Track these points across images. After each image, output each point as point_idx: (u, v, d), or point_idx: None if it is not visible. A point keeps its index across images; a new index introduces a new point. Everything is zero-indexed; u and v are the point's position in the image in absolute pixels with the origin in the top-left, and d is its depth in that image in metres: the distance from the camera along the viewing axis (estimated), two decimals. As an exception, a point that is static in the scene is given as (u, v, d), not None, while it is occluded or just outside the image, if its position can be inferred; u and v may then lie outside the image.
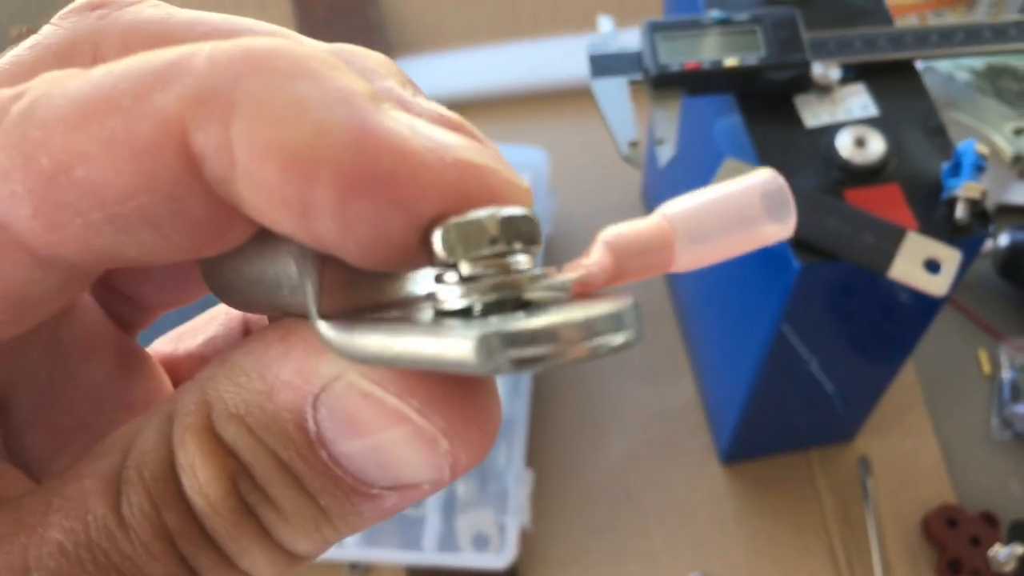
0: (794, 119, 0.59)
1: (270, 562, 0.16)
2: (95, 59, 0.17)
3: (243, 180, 0.14)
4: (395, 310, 0.17)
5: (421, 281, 0.18)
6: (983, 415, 0.82)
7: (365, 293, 0.17)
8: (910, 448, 0.81)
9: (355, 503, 0.16)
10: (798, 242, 0.53)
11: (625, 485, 0.81)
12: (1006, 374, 0.82)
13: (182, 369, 0.23)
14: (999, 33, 0.60)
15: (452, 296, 0.15)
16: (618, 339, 0.14)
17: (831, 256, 0.53)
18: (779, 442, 0.81)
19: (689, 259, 0.16)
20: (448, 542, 0.76)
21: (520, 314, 0.14)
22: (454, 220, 0.15)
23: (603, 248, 0.16)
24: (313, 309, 0.16)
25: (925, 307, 0.60)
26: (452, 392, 0.16)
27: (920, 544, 0.77)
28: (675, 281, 0.88)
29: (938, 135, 0.57)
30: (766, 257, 0.58)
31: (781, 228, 0.16)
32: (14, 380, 0.20)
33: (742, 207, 0.16)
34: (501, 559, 0.74)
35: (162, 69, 0.14)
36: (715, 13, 0.60)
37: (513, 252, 0.15)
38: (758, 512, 0.79)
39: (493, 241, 0.15)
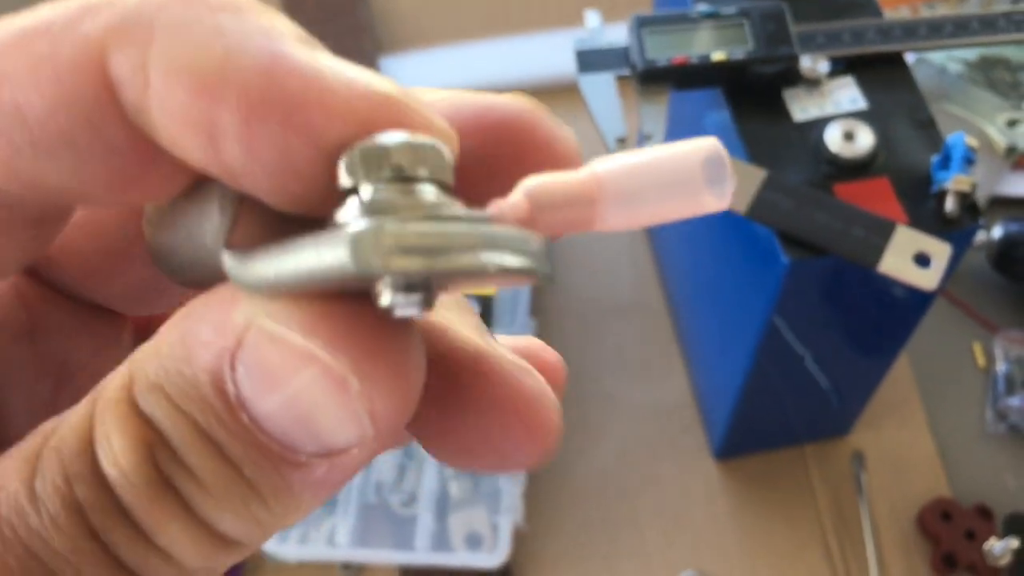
0: (783, 113, 0.58)
1: (191, 540, 0.15)
2: None
3: (155, 105, 0.14)
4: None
5: None
6: (978, 408, 0.82)
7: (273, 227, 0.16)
8: (904, 442, 0.81)
9: (283, 473, 0.15)
10: (787, 237, 0.53)
11: (618, 482, 0.80)
12: (1000, 367, 0.82)
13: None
14: (988, 24, 0.59)
15: (349, 219, 0.14)
16: (514, 261, 0.14)
17: (821, 251, 0.53)
18: (773, 437, 0.81)
19: (616, 220, 0.15)
20: (441, 541, 0.75)
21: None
22: (359, 144, 0.14)
23: (520, 192, 0.15)
24: (220, 241, 0.15)
25: (918, 300, 0.60)
26: (360, 330, 0.15)
27: (915, 538, 0.76)
28: (667, 276, 0.88)
29: (927, 128, 0.57)
30: (756, 252, 0.58)
31: (718, 199, 0.15)
32: (10, 387, 0.20)
33: (680, 173, 0.15)
34: (494, 558, 0.73)
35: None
36: (702, 7, 0.59)
37: (418, 180, 0.14)
38: (752, 508, 0.79)
39: (397, 167, 0.14)
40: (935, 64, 0.95)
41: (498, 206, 0.15)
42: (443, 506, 0.77)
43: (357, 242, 0.13)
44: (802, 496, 0.79)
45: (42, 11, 0.15)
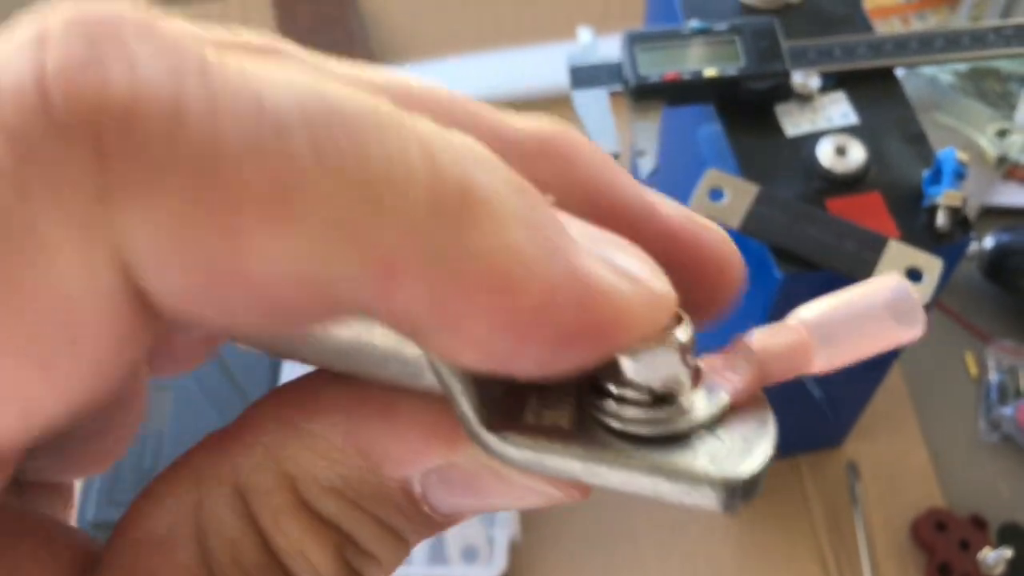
0: (775, 128, 0.59)
1: None
2: None
3: (449, 333, 0.13)
4: (533, 412, 0.17)
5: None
6: (971, 418, 0.83)
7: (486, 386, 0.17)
8: (898, 452, 0.81)
9: (435, 532, 0.17)
10: (780, 251, 0.53)
11: (614, 494, 0.80)
12: (993, 376, 0.83)
13: None
14: (978, 39, 0.60)
15: (629, 419, 0.16)
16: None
17: (814, 265, 0.53)
18: (767, 448, 0.81)
19: (824, 363, 0.17)
20: (437, 555, 0.75)
21: (695, 438, 0.16)
22: (646, 349, 0.15)
23: (749, 364, 0.17)
24: (474, 421, 0.15)
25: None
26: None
27: (909, 549, 0.77)
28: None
29: (918, 143, 0.57)
30: (749, 267, 0.58)
31: (911, 331, 0.17)
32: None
33: (871, 315, 0.17)
34: (491, 571, 0.73)
35: (379, 183, 0.12)
36: (694, 23, 0.60)
37: (687, 369, 0.16)
38: (747, 519, 0.79)
39: (679, 365, 0.16)
40: (926, 75, 0.95)
41: (737, 392, 0.17)
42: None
43: (728, 491, 0.15)
44: (797, 507, 0.79)
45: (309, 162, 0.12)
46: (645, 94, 0.59)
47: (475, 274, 0.13)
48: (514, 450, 0.15)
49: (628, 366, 0.15)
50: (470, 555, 0.75)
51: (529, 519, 0.79)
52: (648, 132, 0.59)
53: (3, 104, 0.11)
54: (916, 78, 0.95)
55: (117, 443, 0.21)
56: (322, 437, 0.16)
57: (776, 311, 0.57)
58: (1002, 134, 0.91)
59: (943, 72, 0.95)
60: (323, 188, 0.12)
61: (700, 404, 0.16)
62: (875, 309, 0.17)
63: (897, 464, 0.81)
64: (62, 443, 0.19)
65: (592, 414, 0.16)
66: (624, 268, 0.15)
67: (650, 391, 0.16)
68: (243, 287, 0.12)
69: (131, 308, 0.12)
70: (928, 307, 0.53)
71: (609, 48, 0.62)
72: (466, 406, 0.15)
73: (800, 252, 0.53)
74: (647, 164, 0.58)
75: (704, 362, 0.17)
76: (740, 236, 0.54)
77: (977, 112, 0.93)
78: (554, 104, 0.96)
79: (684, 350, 0.16)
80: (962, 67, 0.95)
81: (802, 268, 0.53)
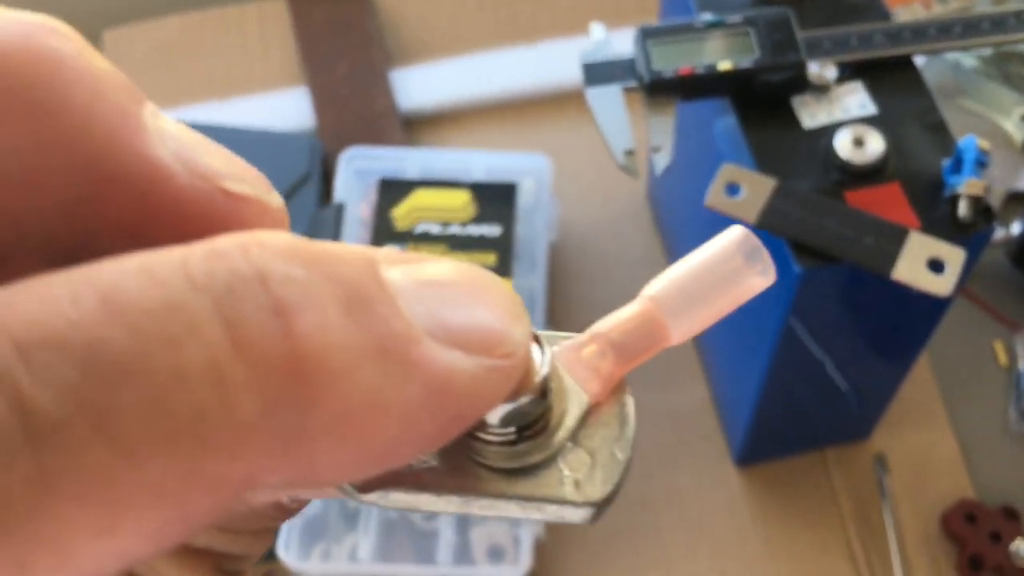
0: (791, 120, 0.58)
1: None
2: None
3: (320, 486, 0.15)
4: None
5: None
6: (1000, 407, 0.81)
7: None
8: (927, 443, 0.80)
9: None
10: (799, 245, 0.53)
11: (638, 491, 0.80)
12: (1023, 365, 0.81)
13: None
14: (998, 24, 0.59)
15: (496, 456, 0.17)
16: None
17: (834, 259, 0.53)
18: (793, 443, 0.80)
19: (682, 331, 0.17)
20: (463, 555, 0.75)
21: (568, 465, 0.17)
22: (508, 408, 0.16)
23: (600, 357, 0.17)
24: (355, 493, 0.17)
25: (936, 301, 0.59)
26: None
27: (940, 541, 0.76)
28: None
29: (939, 131, 0.56)
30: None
31: (764, 278, 0.17)
32: None
33: (722, 271, 0.17)
34: (517, 570, 0.73)
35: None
36: (707, 16, 0.59)
37: (546, 403, 0.17)
38: (775, 514, 0.79)
39: (536, 406, 0.17)
40: (949, 60, 0.94)
41: (595, 396, 0.17)
42: (464, 519, 0.77)
43: (593, 511, 0.17)
44: (824, 501, 0.79)
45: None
46: (659, 89, 0.58)
47: (333, 444, 0.12)
48: (393, 499, 0.17)
49: (490, 418, 0.16)
50: (496, 555, 0.75)
51: (554, 518, 0.78)
52: (663, 128, 0.58)
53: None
54: (939, 63, 0.94)
55: None
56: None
57: (796, 307, 0.56)
58: (1028, 118, 0.90)
59: (967, 56, 0.94)
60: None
61: (566, 421, 0.17)
62: (720, 266, 0.17)
63: (926, 456, 0.80)
64: None
65: (464, 452, 0.17)
66: (464, 332, 0.14)
67: (513, 432, 0.17)
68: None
69: None
70: (951, 297, 0.52)
71: (622, 44, 0.61)
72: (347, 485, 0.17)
73: (819, 246, 0.52)
74: (662, 160, 0.58)
75: (562, 357, 0.18)
76: (758, 231, 0.53)
77: (1002, 96, 0.92)
78: (569, 99, 0.96)
79: (541, 388, 0.17)
80: (986, 51, 0.93)
81: (822, 262, 0.53)
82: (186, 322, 0.11)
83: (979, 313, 0.85)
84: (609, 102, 0.59)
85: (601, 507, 0.16)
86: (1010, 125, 0.90)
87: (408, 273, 0.14)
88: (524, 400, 0.16)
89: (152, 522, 0.11)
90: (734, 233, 0.17)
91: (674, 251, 0.89)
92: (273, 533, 0.17)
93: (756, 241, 0.17)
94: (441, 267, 0.15)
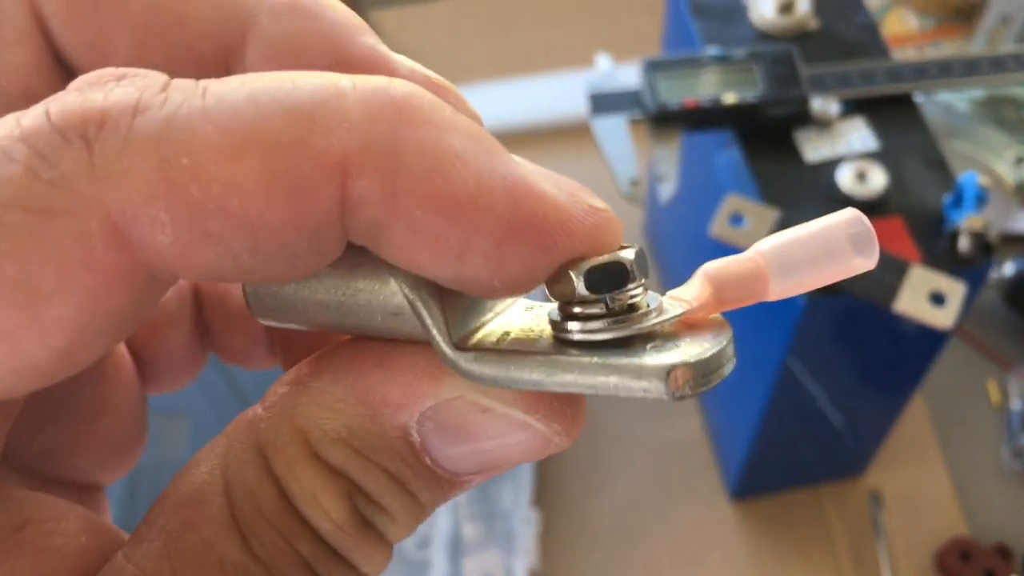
0: (794, 154, 0.59)
1: (384, 559, 0.18)
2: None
3: (404, 225, 0.15)
4: (494, 333, 0.19)
5: (501, 305, 0.20)
6: (993, 446, 0.82)
7: (461, 316, 0.18)
8: (921, 481, 0.80)
9: (447, 492, 0.18)
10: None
11: (634, 523, 0.80)
12: (1016, 404, 0.82)
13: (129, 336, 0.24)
14: (997, 64, 0.60)
15: (586, 329, 0.17)
16: (732, 366, 0.17)
17: (836, 291, 0.53)
18: (788, 477, 0.80)
19: (781, 289, 0.18)
20: (456, 585, 0.75)
21: (651, 346, 0.17)
22: (596, 262, 0.17)
23: (704, 282, 0.18)
24: (443, 343, 0.17)
25: (932, 339, 0.60)
26: (565, 399, 0.18)
27: (934, 579, 0.76)
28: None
29: (938, 167, 0.57)
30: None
31: (867, 261, 0.18)
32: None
33: (829, 244, 0.18)
34: (509, 601, 0.73)
35: (312, 108, 0.15)
36: (712, 50, 0.60)
37: (640, 285, 0.17)
38: (769, 550, 0.78)
39: (632, 279, 0.17)
40: (942, 103, 0.95)
41: (689, 303, 0.18)
42: (457, 548, 0.76)
43: (672, 378, 0.16)
44: (819, 537, 0.78)
45: (241, 105, 0.14)
46: (665, 120, 0.59)
47: (415, 166, 0.15)
48: (478, 365, 0.17)
49: (577, 279, 0.17)
50: (489, 585, 0.75)
51: (548, 548, 0.78)
52: (668, 158, 0.59)
53: (23, 126, 0.14)
54: (933, 106, 0.95)
55: (125, 440, 0.23)
56: (327, 391, 0.17)
57: (799, 337, 0.56)
58: (1021, 161, 0.91)
59: (960, 100, 0.95)
60: (264, 120, 0.14)
61: (653, 317, 0.17)
62: (833, 240, 0.18)
63: (920, 493, 0.80)
64: (64, 420, 0.21)
65: (554, 335, 0.18)
66: (555, 179, 0.17)
67: (601, 302, 0.17)
68: (222, 218, 0.14)
69: (117, 257, 0.14)
70: (951, 331, 0.53)
71: (627, 75, 0.62)
72: (431, 323, 0.17)
73: (822, 277, 0.53)
74: (667, 190, 0.58)
75: (667, 296, 0.18)
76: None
77: (995, 139, 0.93)
78: (572, 133, 0.97)
79: (631, 264, 0.17)
80: (979, 95, 0.95)
81: (824, 293, 0.53)
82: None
83: (972, 353, 0.86)
84: (614, 132, 0.60)
85: (681, 378, 0.16)
86: (1002, 167, 0.91)
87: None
88: (609, 263, 0.17)
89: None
90: (847, 213, 0.18)
91: (671, 283, 0.89)
92: (419, 503, 0.18)
93: (866, 224, 0.18)
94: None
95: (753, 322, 0.64)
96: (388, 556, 0.18)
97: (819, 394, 0.66)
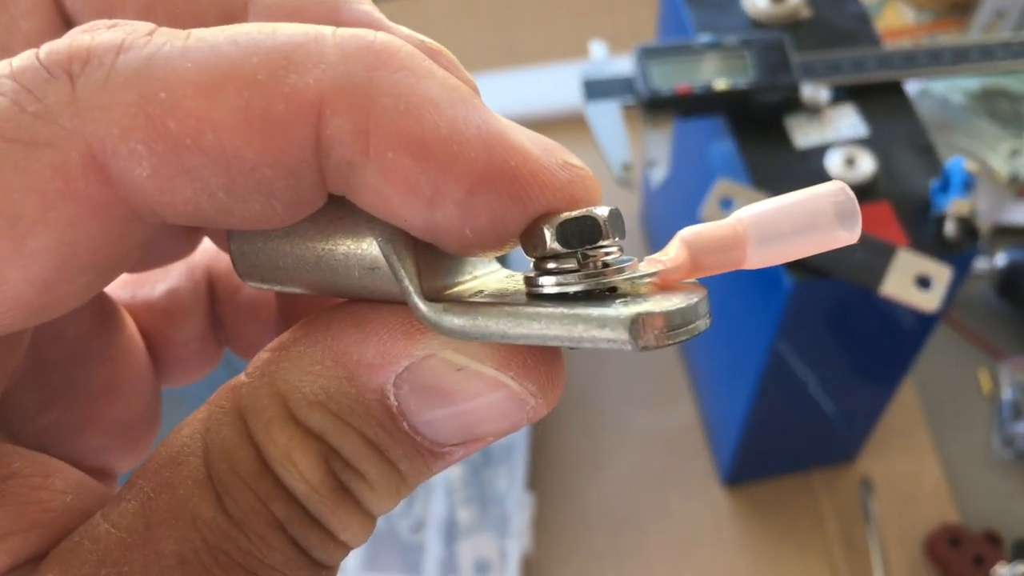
0: (785, 140, 0.59)
1: (363, 529, 0.18)
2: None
3: (376, 167, 0.15)
4: (469, 290, 0.19)
5: (476, 264, 0.20)
6: (984, 434, 0.82)
7: (437, 274, 0.18)
8: (912, 468, 0.81)
9: (429, 463, 0.18)
10: (791, 261, 0.54)
11: (627, 509, 0.81)
12: (1006, 393, 0.82)
13: (140, 319, 0.24)
14: (986, 53, 0.61)
15: (558, 282, 0.17)
16: (704, 324, 0.17)
17: (824, 274, 0.54)
18: (780, 464, 0.81)
19: (760, 258, 0.18)
20: (449, 568, 0.76)
21: (620, 301, 0.17)
22: (568, 215, 0.17)
23: (680, 245, 0.18)
24: (414, 293, 0.17)
25: (920, 324, 0.61)
26: (539, 357, 0.18)
27: (923, 564, 0.76)
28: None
29: (926, 154, 0.58)
30: (760, 277, 0.59)
31: (850, 234, 0.18)
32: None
33: (815, 215, 0.17)
34: (503, 584, 0.73)
35: (291, 49, 0.15)
36: (705, 38, 0.61)
37: (614, 244, 0.17)
38: (760, 535, 0.79)
39: (605, 236, 0.17)
40: (937, 96, 0.96)
41: (663, 263, 0.18)
42: (452, 532, 0.77)
43: (635, 327, 0.16)
44: (810, 523, 0.79)
45: (223, 45, 0.15)
46: (657, 106, 0.59)
47: (388, 107, 0.15)
48: (446, 315, 0.17)
49: (550, 232, 0.17)
50: (482, 568, 0.75)
51: (542, 533, 0.79)
52: (660, 143, 0.59)
53: (13, 64, 0.15)
54: (928, 99, 0.96)
55: (136, 425, 0.23)
56: (306, 354, 0.17)
57: (787, 320, 0.57)
58: (1014, 153, 0.92)
59: (954, 93, 0.96)
60: (242, 59, 0.15)
61: (625, 273, 0.17)
62: (816, 210, 0.17)
63: (911, 480, 0.81)
64: (72, 396, 0.21)
65: (527, 290, 0.18)
66: (529, 134, 0.17)
67: (573, 257, 0.17)
68: (198, 152, 0.14)
69: (97, 190, 0.14)
70: (937, 317, 0.53)
71: (621, 64, 0.63)
72: (403, 273, 0.17)
73: (810, 261, 0.53)
74: (659, 174, 0.59)
75: (645, 261, 0.18)
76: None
77: (989, 132, 0.94)
78: (569, 123, 0.97)
79: (604, 220, 0.17)
80: (973, 88, 0.96)
81: (812, 277, 0.54)
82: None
83: (964, 342, 0.86)
84: (607, 117, 0.60)
85: (647, 328, 0.16)
86: (996, 160, 0.92)
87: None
88: (581, 218, 0.17)
89: None
90: (832, 185, 0.18)
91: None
92: (399, 473, 0.18)
93: (850, 195, 0.18)
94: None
95: (742, 304, 0.65)
96: (368, 527, 0.18)
97: (809, 379, 0.66)
